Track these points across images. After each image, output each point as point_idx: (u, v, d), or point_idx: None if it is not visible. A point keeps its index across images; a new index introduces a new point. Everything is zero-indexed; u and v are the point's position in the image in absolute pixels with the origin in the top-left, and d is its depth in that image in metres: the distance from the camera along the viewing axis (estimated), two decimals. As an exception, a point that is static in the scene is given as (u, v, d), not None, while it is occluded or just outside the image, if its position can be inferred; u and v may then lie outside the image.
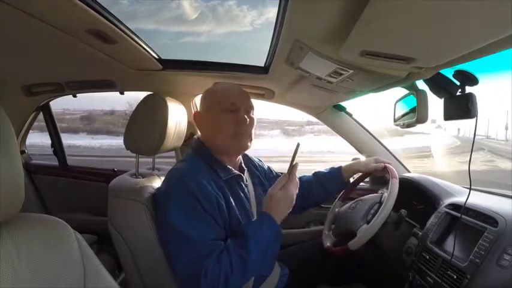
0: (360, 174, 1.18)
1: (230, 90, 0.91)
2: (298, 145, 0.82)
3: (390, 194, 0.91)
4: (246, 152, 0.97)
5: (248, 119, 0.87)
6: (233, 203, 0.82)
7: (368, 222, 0.92)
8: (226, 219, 0.79)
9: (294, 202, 0.80)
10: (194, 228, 0.73)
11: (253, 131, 0.91)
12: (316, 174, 1.16)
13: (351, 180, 1.20)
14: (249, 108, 0.90)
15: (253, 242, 0.73)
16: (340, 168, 1.15)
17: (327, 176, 1.14)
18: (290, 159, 0.81)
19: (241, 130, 0.87)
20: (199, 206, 0.75)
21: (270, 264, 0.95)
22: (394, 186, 0.93)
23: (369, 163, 1.13)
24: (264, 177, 1.06)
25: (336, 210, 1.16)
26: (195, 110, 1.50)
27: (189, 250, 0.72)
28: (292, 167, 0.81)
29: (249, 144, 0.89)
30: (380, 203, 0.97)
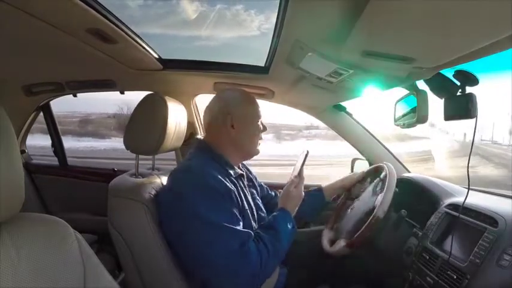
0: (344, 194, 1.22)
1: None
2: (307, 153, 0.99)
3: (390, 171, 0.98)
4: None
5: None
6: (243, 198, 0.87)
7: (381, 192, 0.95)
8: (240, 212, 0.83)
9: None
10: (225, 218, 0.75)
11: None
12: None
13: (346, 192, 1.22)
14: None
15: (283, 233, 0.82)
16: (320, 187, 1.20)
17: (307, 194, 1.11)
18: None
19: (261, 137, 0.98)
20: (222, 199, 0.78)
21: None
22: (389, 165, 1.02)
23: (351, 176, 1.20)
24: (255, 182, 1.11)
25: (328, 235, 1.14)
26: (196, 110, 1.50)
27: (228, 240, 0.74)
28: (302, 170, 0.96)
29: None
30: (382, 180, 1.02)
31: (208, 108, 0.95)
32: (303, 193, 0.94)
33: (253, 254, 0.74)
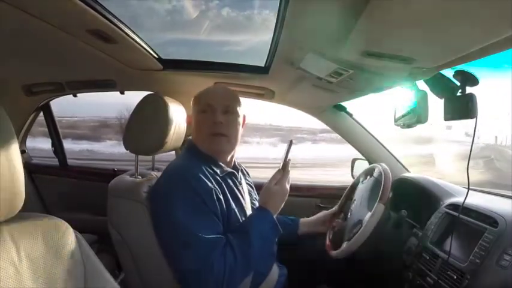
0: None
1: (209, 91, 0.93)
2: (291, 142, 0.89)
3: (369, 221, 0.90)
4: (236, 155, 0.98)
5: (224, 120, 0.86)
6: (230, 198, 0.85)
7: (349, 240, 0.94)
8: (224, 213, 0.81)
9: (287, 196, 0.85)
10: (199, 225, 0.74)
11: (237, 132, 0.90)
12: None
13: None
14: (229, 108, 0.88)
15: (255, 236, 0.77)
16: (298, 221, 1.13)
17: (283, 222, 1.03)
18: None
19: (216, 131, 0.86)
20: (202, 202, 0.76)
21: (270, 262, 0.96)
22: (378, 210, 0.90)
23: (324, 212, 1.16)
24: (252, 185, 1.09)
25: (331, 237, 1.13)
26: None
27: (196, 248, 0.73)
28: (286, 163, 0.86)
29: (225, 145, 0.89)
30: (377, 179, 0.99)
31: None
32: (288, 189, 0.85)
33: (218, 263, 0.72)
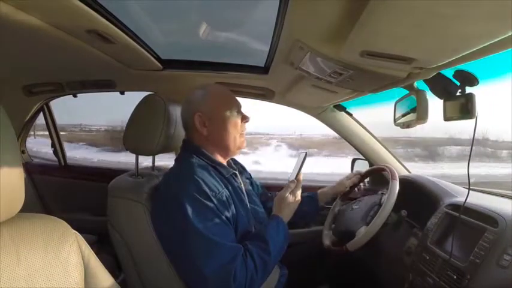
0: (356, 177, 1.23)
1: (227, 91, 0.96)
2: (306, 154, 0.95)
3: (389, 196, 0.93)
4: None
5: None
6: (236, 200, 0.85)
7: (367, 224, 0.93)
8: (234, 218, 0.81)
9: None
10: (217, 233, 0.74)
11: None
12: None
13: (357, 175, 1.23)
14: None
15: (273, 244, 0.79)
16: (315, 193, 1.19)
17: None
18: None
19: (243, 129, 0.94)
20: (215, 208, 0.76)
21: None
22: (394, 187, 0.95)
23: (343, 182, 1.21)
24: (252, 180, 1.10)
25: (336, 209, 1.17)
26: None
27: (218, 256, 0.72)
28: (299, 173, 0.92)
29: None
30: (380, 204, 0.97)
31: (181, 112, 0.93)
32: (300, 198, 0.90)
33: (240, 271, 0.72)
